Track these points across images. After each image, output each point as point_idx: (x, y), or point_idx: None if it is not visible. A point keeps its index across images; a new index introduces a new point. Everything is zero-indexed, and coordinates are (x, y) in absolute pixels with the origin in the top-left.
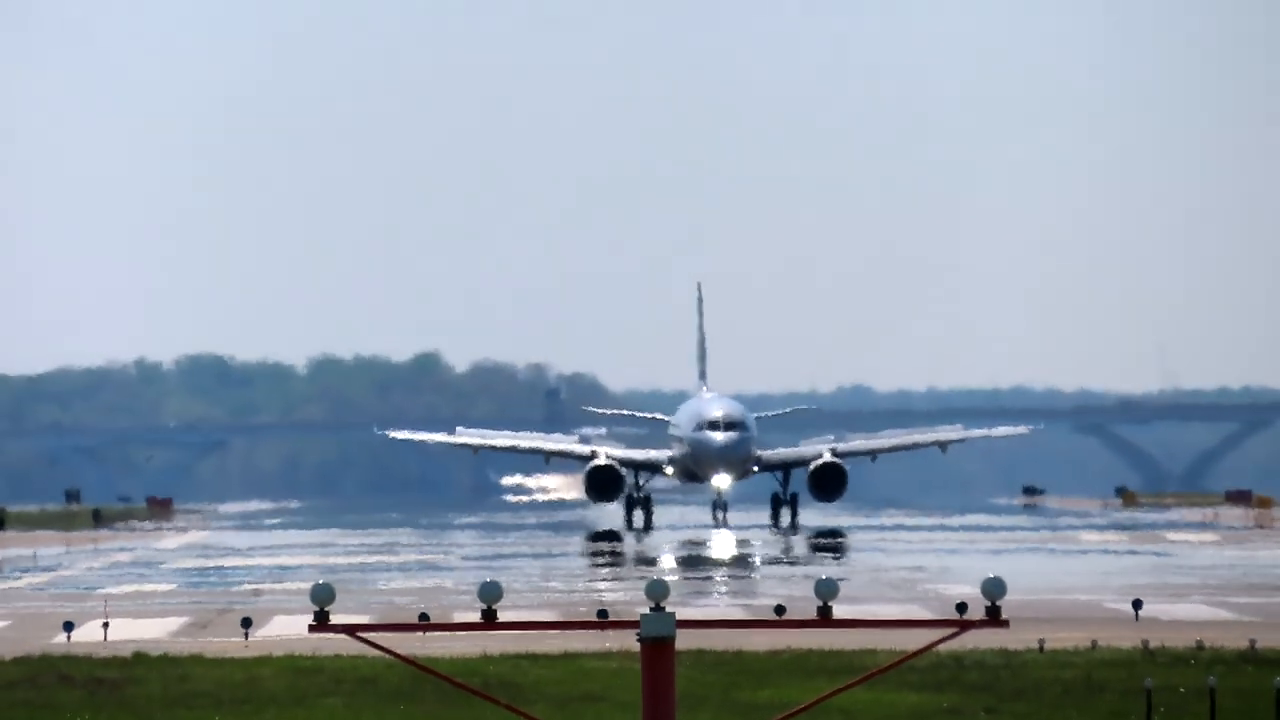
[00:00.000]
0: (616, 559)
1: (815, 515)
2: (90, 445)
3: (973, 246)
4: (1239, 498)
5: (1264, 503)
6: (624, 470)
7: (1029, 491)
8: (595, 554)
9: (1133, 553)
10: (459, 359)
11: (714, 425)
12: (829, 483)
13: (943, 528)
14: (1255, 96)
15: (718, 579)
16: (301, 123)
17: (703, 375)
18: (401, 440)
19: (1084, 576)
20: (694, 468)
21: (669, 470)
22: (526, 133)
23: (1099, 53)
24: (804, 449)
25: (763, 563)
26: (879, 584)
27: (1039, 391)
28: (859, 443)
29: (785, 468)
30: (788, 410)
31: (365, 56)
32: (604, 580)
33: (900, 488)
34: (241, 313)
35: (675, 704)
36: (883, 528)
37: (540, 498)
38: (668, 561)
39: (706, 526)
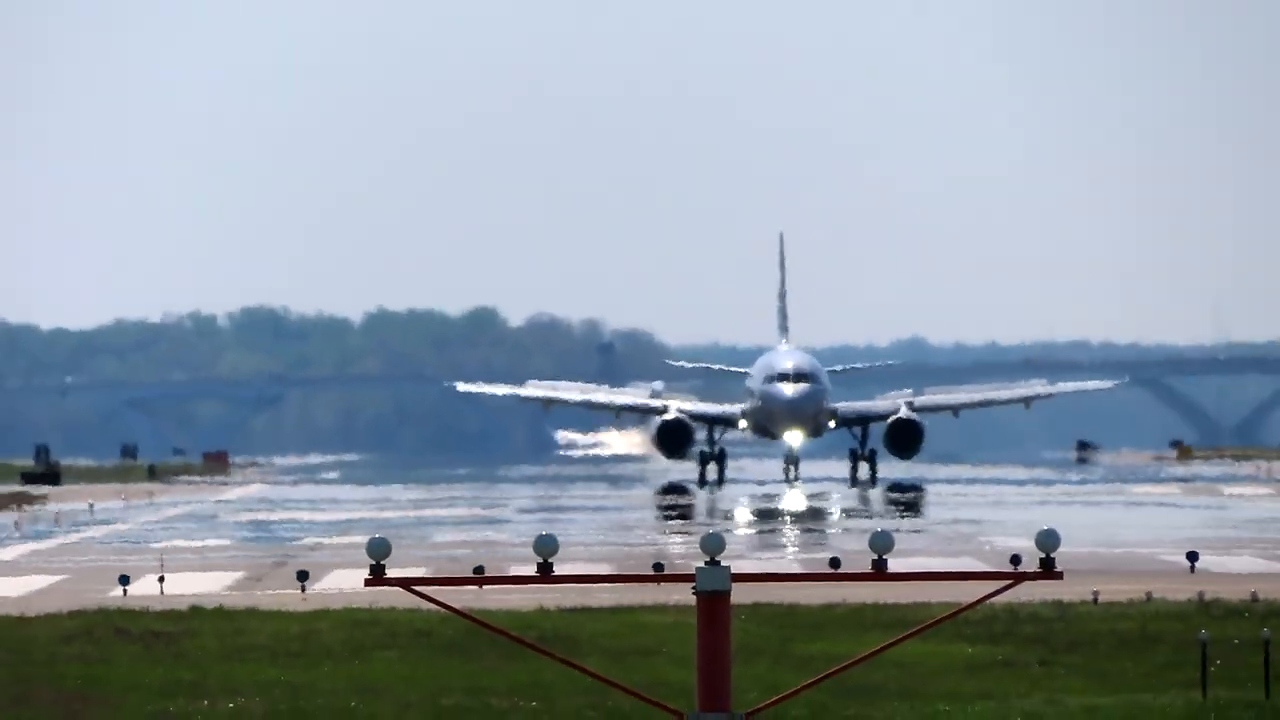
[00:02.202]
0: (687, 513)
1: (886, 470)
2: (146, 398)
3: (1027, 203)
4: None
5: None
6: (695, 425)
7: (1083, 446)
8: (666, 508)
9: (1188, 506)
10: (514, 313)
11: (784, 377)
12: (906, 438)
13: (1014, 481)
14: None
15: (783, 535)
16: (358, 79)
17: (783, 328)
18: (458, 394)
19: (1140, 530)
20: (765, 422)
21: (742, 424)
22: (582, 89)
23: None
24: (879, 403)
25: (837, 517)
26: (972, 542)
27: (1094, 345)
28: (940, 397)
29: (862, 422)
30: (864, 366)
31: (420, 16)
32: (675, 534)
33: (952, 442)
34: (296, 266)
35: (730, 658)
36: (957, 480)
37: (602, 452)
38: (740, 515)
39: (780, 482)
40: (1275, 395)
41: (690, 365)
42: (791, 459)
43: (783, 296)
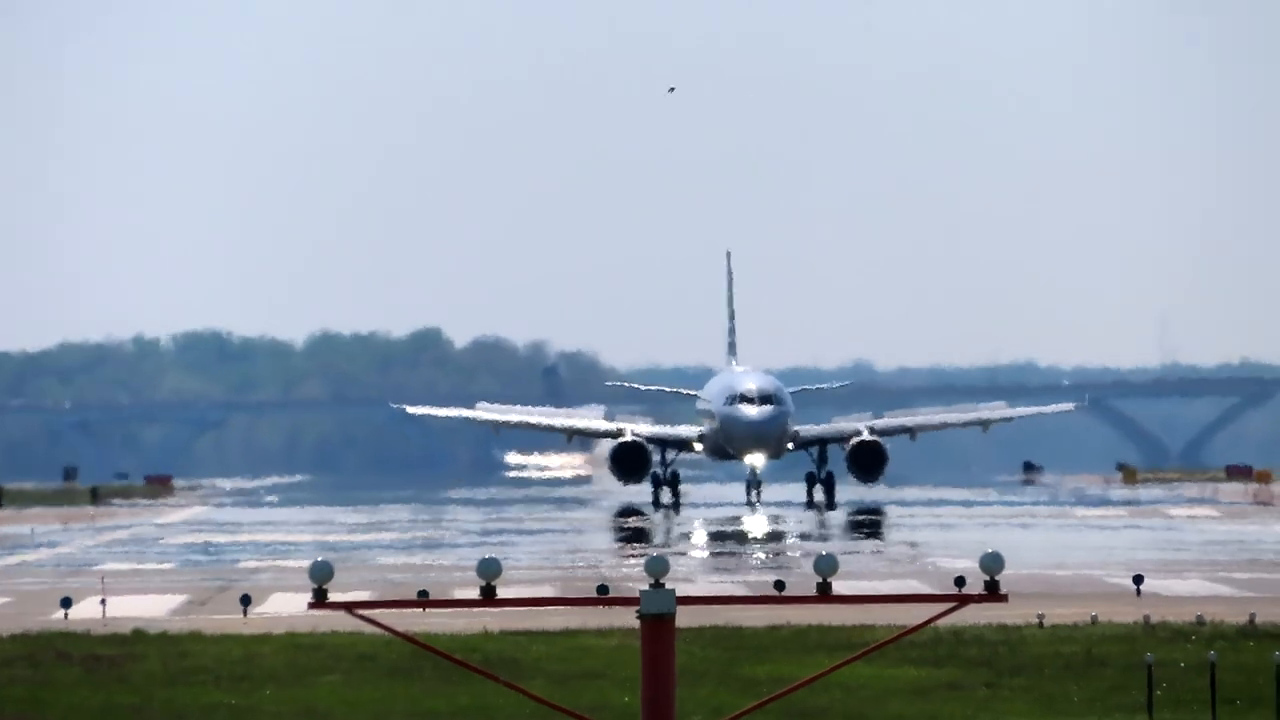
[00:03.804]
0: (644, 537)
1: (843, 493)
2: (88, 421)
3: (973, 223)
4: (1239, 473)
5: (1264, 478)
6: (651, 447)
7: (1029, 468)
8: (620, 531)
9: (1134, 528)
10: (459, 335)
11: (747, 399)
12: (869, 461)
13: (961, 503)
14: (1256, 73)
15: (745, 557)
16: (298, 98)
17: (732, 349)
18: (402, 416)
19: (1085, 552)
20: (726, 444)
21: (698, 447)
22: (525, 106)
23: (1102, 33)
24: (839, 425)
25: (793, 540)
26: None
27: (1041, 368)
28: (900, 420)
29: (821, 444)
30: (817, 387)
31: (359, 31)
32: (634, 557)
33: (899, 464)
34: (240, 289)
35: (675, 680)
36: (904, 503)
37: (547, 475)
38: (698, 538)
39: (736, 504)
40: (1220, 418)
41: (645, 388)
42: (754, 482)
43: (731, 317)
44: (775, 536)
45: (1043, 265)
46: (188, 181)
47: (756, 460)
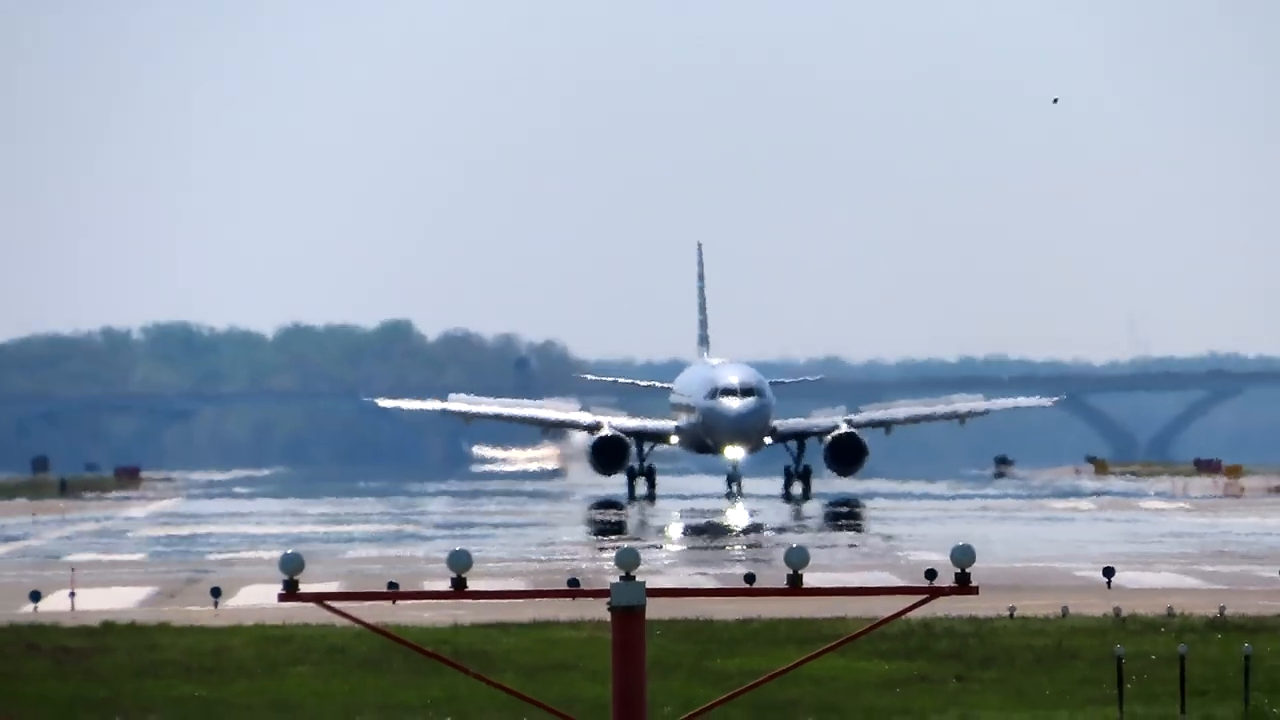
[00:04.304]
0: (621, 530)
1: (820, 486)
2: (57, 413)
3: (944, 217)
4: (1208, 466)
5: (1233, 471)
6: (629, 440)
7: (1001, 461)
8: (596, 524)
9: (1105, 521)
10: (429, 327)
11: (730, 392)
12: (848, 455)
13: (934, 496)
14: (1222, 65)
15: (728, 549)
16: (269, 92)
17: (703, 341)
18: (372, 409)
19: (1056, 545)
20: (706, 437)
21: (675, 440)
22: (492, 100)
23: (1068, 27)
24: (818, 419)
25: (770, 533)
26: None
27: (1012, 361)
28: (878, 413)
29: (799, 438)
30: (809, 379)
31: (328, 24)
32: (611, 550)
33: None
34: (209, 281)
35: (645, 673)
36: (875, 495)
37: (518, 467)
38: (674, 531)
39: (712, 496)
40: (1190, 411)
41: (616, 381)
42: (734, 475)
43: (703, 309)
44: (753, 529)
45: (1014, 259)
46: (155, 173)
47: (736, 453)
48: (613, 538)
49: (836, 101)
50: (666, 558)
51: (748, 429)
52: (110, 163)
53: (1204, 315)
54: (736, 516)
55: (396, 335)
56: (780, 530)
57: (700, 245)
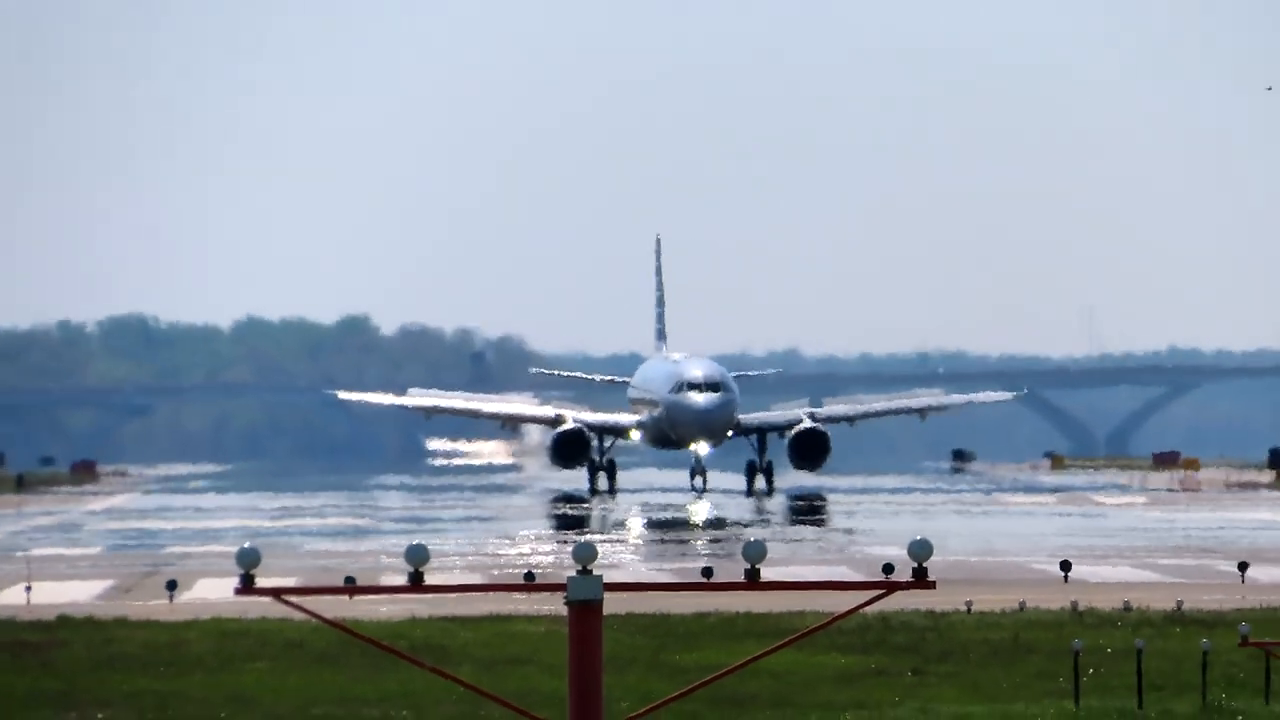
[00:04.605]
0: (584, 524)
1: (786, 480)
2: (13, 406)
3: (902, 211)
4: (1166, 460)
5: (1190, 465)
6: (591, 435)
7: (958, 455)
8: (560, 518)
9: (1062, 515)
10: (387, 322)
11: (695, 386)
12: (811, 449)
13: (891, 490)
14: (1181, 62)
15: (690, 544)
16: (233, 86)
17: (661, 335)
18: (330, 403)
19: (1013, 539)
20: (670, 431)
21: (635, 435)
22: (452, 95)
23: (1034, 21)
24: (780, 413)
25: (731, 526)
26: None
27: (970, 356)
28: (840, 408)
29: (761, 432)
30: (767, 372)
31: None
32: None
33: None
34: (166, 274)
35: (602, 667)
36: (836, 490)
37: (475, 461)
38: (635, 525)
39: (673, 490)
40: (1147, 406)
41: (582, 376)
42: (698, 469)
43: (660, 303)
44: (716, 524)
45: (973, 254)
46: (110, 168)
47: (700, 448)
48: (574, 532)
49: (795, 98)
50: (628, 551)
51: (713, 423)
52: (64, 158)
53: (1162, 310)
54: (698, 511)
55: (354, 329)
56: (745, 525)
57: (659, 238)
